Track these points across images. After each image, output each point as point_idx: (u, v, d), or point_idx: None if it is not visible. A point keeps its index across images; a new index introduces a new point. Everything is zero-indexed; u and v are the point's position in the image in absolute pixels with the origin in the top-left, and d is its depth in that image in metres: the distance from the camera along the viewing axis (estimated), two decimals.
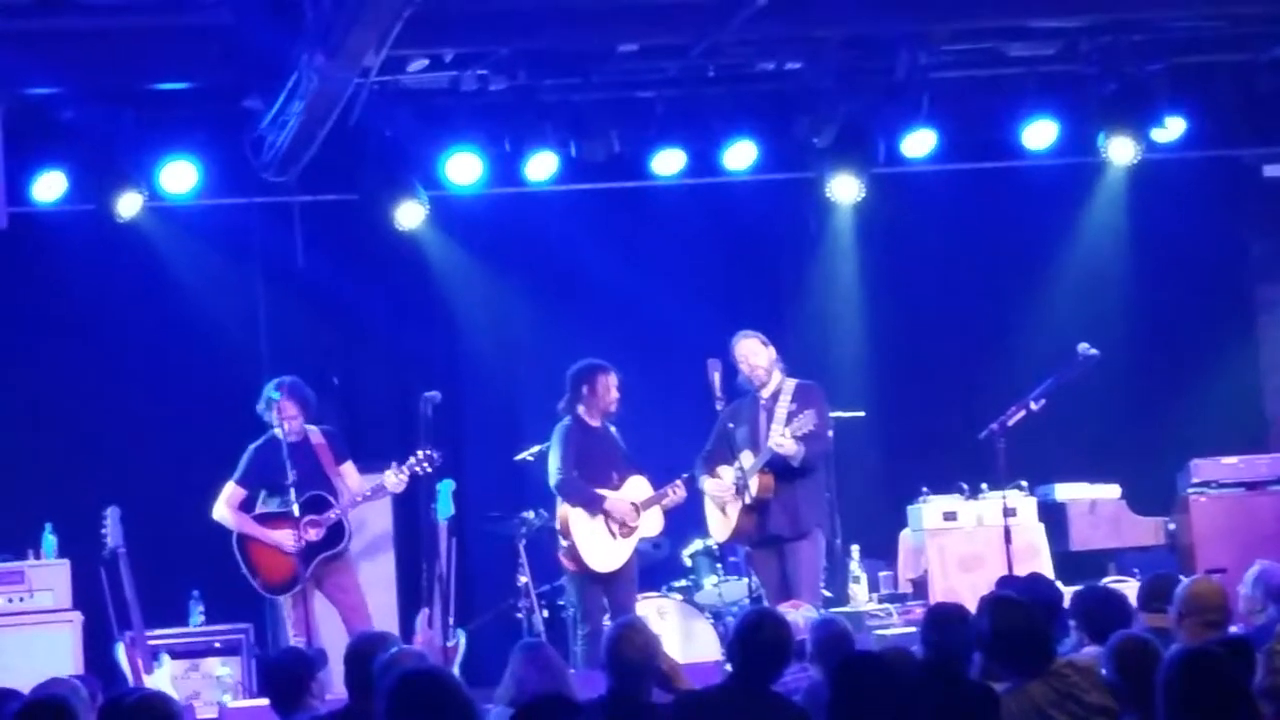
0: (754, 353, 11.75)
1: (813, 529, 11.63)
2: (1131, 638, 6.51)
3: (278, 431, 11.69)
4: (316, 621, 11.60)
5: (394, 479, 11.75)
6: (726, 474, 11.70)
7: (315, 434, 11.84)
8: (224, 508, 11.81)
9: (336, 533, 11.71)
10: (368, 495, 11.88)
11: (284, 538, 11.60)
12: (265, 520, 11.75)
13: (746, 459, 11.60)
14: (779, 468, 11.52)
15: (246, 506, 11.83)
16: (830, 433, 11.85)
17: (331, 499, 11.71)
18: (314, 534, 11.63)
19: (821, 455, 11.69)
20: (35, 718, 6.44)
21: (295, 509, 11.51)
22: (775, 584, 11.59)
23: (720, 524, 11.85)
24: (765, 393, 11.72)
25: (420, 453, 11.69)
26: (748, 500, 11.54)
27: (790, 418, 11.50)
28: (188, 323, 13.43)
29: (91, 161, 12.69)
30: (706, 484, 11.81)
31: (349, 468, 11.89)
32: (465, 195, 13.60)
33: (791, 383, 11.75)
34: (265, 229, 13.58)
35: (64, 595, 12.00)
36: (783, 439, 11.39)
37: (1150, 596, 8.61)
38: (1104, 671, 6.32)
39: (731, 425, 11.71)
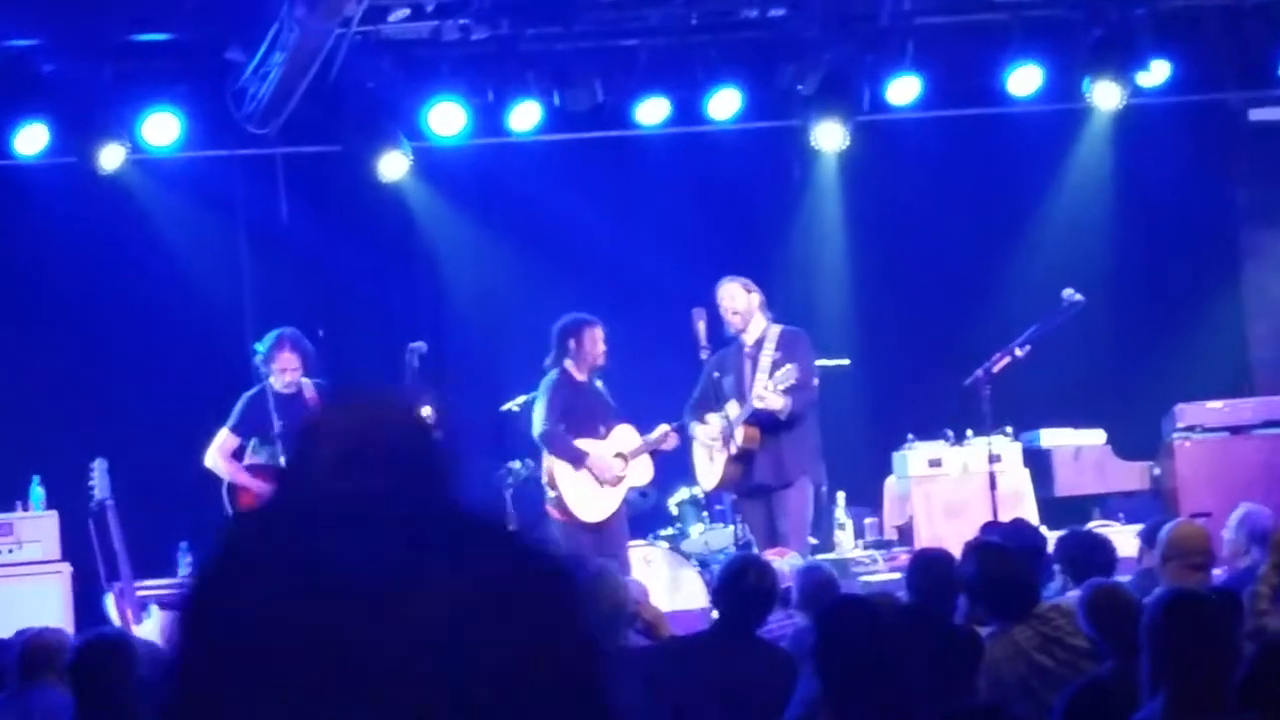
0: (732, 296, 11.73)
1: (799, 478, 11.63)
2: (1100, 586, 6.54)
3: (273, 382, 11.67)
4: None
5: None
6: (714, 422, 11.70)
7: (309, 387, 11.82)
8: (216, 455, 11.78)
9: None
10: None
11: (272, 489, 11.59)
12: (254, 471, 11.74)
13: (732, 409, 11.60)
14: (764, 419, 11.51)
15: (238, 454, 11.81)
16: (815, 381, 11.84)
17: None
18: None
19: (807, 405, 11.68)
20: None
21: (281, 460, 11.51)
22: (762, 532, 11.61)
23: (707, 472, 11.87)
24: (749, 339, 11.71)
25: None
26: (733, 450, 11.55)
27: (774, 367, 11.48)
28: (171, 275, 13.41)
29: (73, 114, 12.66)
30: (696, 430, 11.82)
31: None
32: (448, 146, 13.57)
33: (776, 329, 11.73)
34: (248, 181, 13.55)
35: (52, 547, 12.00)
36: (765, 393, 11.35)
37: (1152, 535, 8.63)
38: (1080, 620, 6.34)
39: (717, 374, 11.71)
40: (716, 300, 11.81)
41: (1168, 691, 5.17)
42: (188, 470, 12.00)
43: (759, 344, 11.67)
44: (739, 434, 11.53)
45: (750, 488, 11.63)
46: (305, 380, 11.80)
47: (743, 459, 11.58)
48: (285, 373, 11.68)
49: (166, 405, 13.08)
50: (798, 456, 11.62)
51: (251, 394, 11.79)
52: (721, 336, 11.96)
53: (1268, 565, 7.74)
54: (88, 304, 13.37)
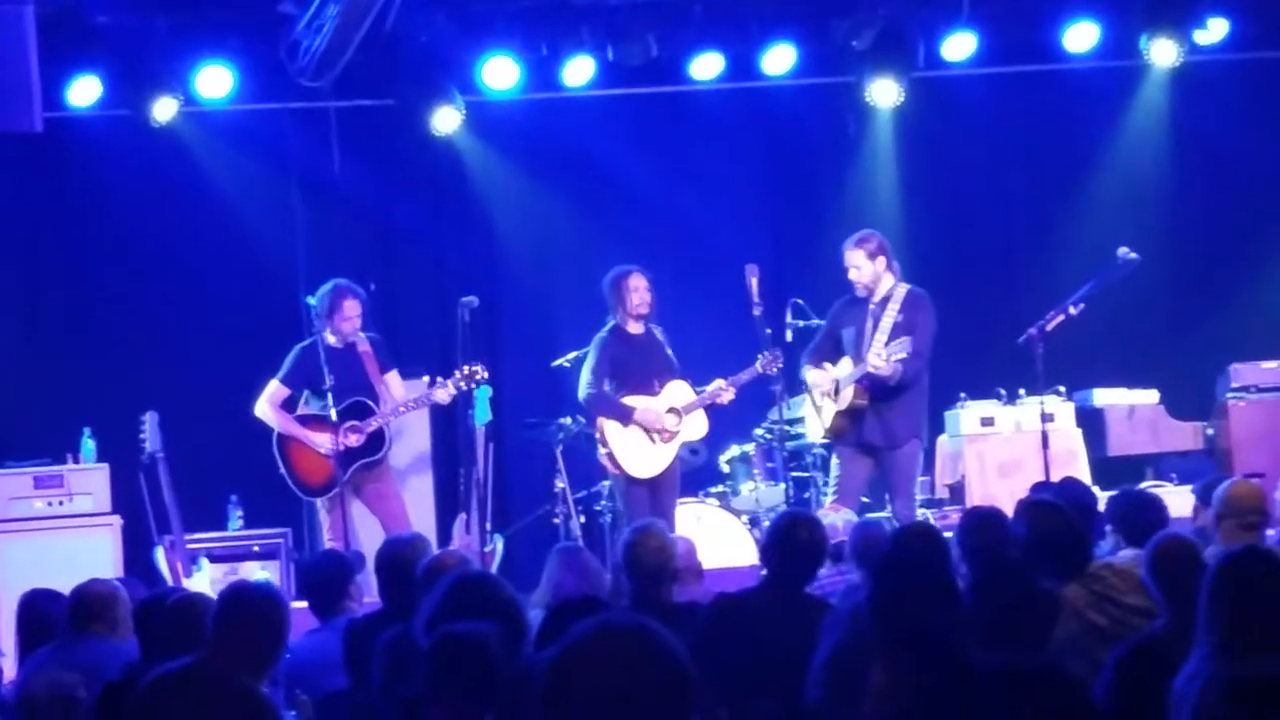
0: (856, 266, 11.56)
1: (908, 440, 11.51)
2: (1172, 538, 6.47)
3: (328, 335, 11.68)
4: (354, 527, 11.63)
5: (441, 393, 11.74)
6: (829, 372, 11.62)
7: (362, 341, 11.83)
8: (266, 405, 11.81)
9: (377, 440, 11.73)
10: (411, 405, 11.88)
11: (323, 441, 11.62)
12: (306, 422, 11.76)
13: (845, 365, 11.53)
14: (874, 383, 11.41)
15: (289, 406, 11.83)
16: (930, 348, 11.62)
17: (374, 406, 11.72)
18: (354, 439, 11.64)
19: (918, 372, 11.46)
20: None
21: (333, 413, 11.53)
22: (854, 485, 11.53)
23: (816, 422, 11.78)
24: (876, 297, 11.59)
25: (467, 368, 11.66)
26: (840, 406, 11.51)
27: (895, 328, 11.34)
28: (224, 228, 13.43)
29: (127, 66, 12.69)
30: (809, 376, 11.70)
31: (393, 377, 11.89)
32: (502, 100, 13.55)
33: (903, 290, 11.57)
34: (301, 135, 13.56)
35: (103, 499, 12.06)
36: (878, 360, 11.27)
37: (1208, 494, 8.57)
38: (1142, 572, 6.28)
39: (840, 325, 11.62)
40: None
41: (1219, 644, 5.13)
42: (239, 424, 12.04)
43: (884, 302, 11.52)
44: (846, 393, 11.47)
45: (859, 443, 11.56)
46: (359, 334, 11.82)
47: (851, 415, 11.52)
48: (348, 322, 11.67)
49: (218, 359, 13.13)
50: (907, 420, 11.49)
51: (304, 345, 11.81)
52: (774, 293, 11.88)
53: None
54: (140, 257, 13.41)
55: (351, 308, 11.71)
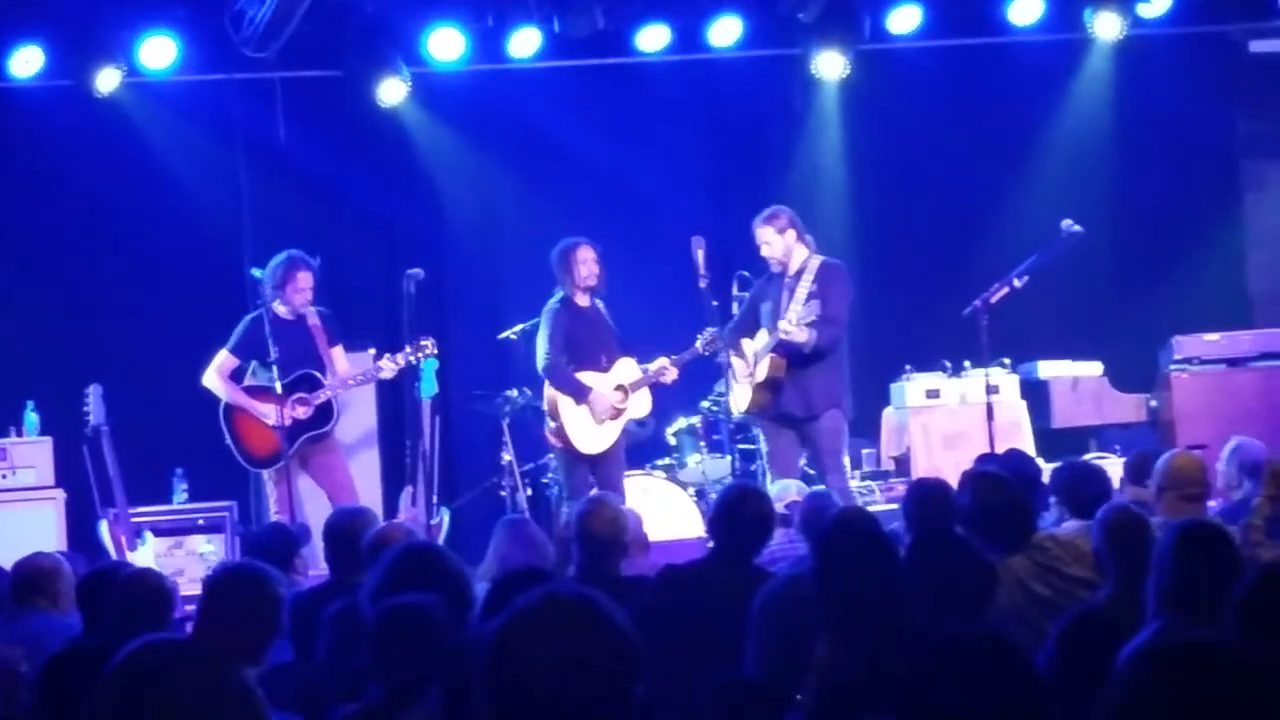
0: (767, 242, 11.56)
1: (827, 409, 11.48)
2: (1124, 509, 6.51)
3: (277, 306, 11.63)
4: (300, 499, 11.60)
5: (388, 364, 11.71)
6: (749, 347, 11.63)
7: (312, 315, 11.78)
8: (214, 375, 11.73)
9: (324, 413, 11.70)
10: (359, 378, 11.85)
11: (270, 412, 11.58)
12: (254, 393, 11.70)
13: (762, 337, 11.53)
14: (790, 351, 11.41)
15: (236, 377, 11.78)
16: (845, 315, 11.62)
17: (322, 378, 11.68)
18: (301, 412, 11.60)
19: (833, 339, 11.44)
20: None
21: (278, 386, 11.49)
22: (782, 460, 11.52)
23: (737, 396, 11.78)
24: (790, 270, 11.58)
25: (416, 342, 11.63)
26: (759, 378, 11.50)
27: (809, 298, 11.37)
28: (168, 199, 13.34)
29: (69, 36, 12.60)
30: (730, 355, 11.69)
31: (339, 352, 11.84)
32: (448, 72, 13.51)
33: (817, 261, 11.55)
34: (246, 105, 13.48)
35: (46, 473, 11.99)
36: (789, 326, 11.27)
37: (1136, 471, 8.63)
38: (1094, 542, 6.31)
39: (758, 299, 11.62)
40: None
41: (1169, 615, 5.17)
42: (183, 397, 11.99)
43: (798, 275, 11.52)
44: (764, 364, 11.48)
45: (778, 415, 11.56)
46: (309, 307, 11.76)
47: (771, 387, 11.50)
48: (300, 294, 11.61)
49: (162, 332, 13.07)
50: (826, 388, 11.47)
51: (252, 316, 11.76)
52: (720, 265, 11.88)
53: (1262, 496, 7.74)
54: (83, 228, 13.32)
55: (305, 279, 11.66)
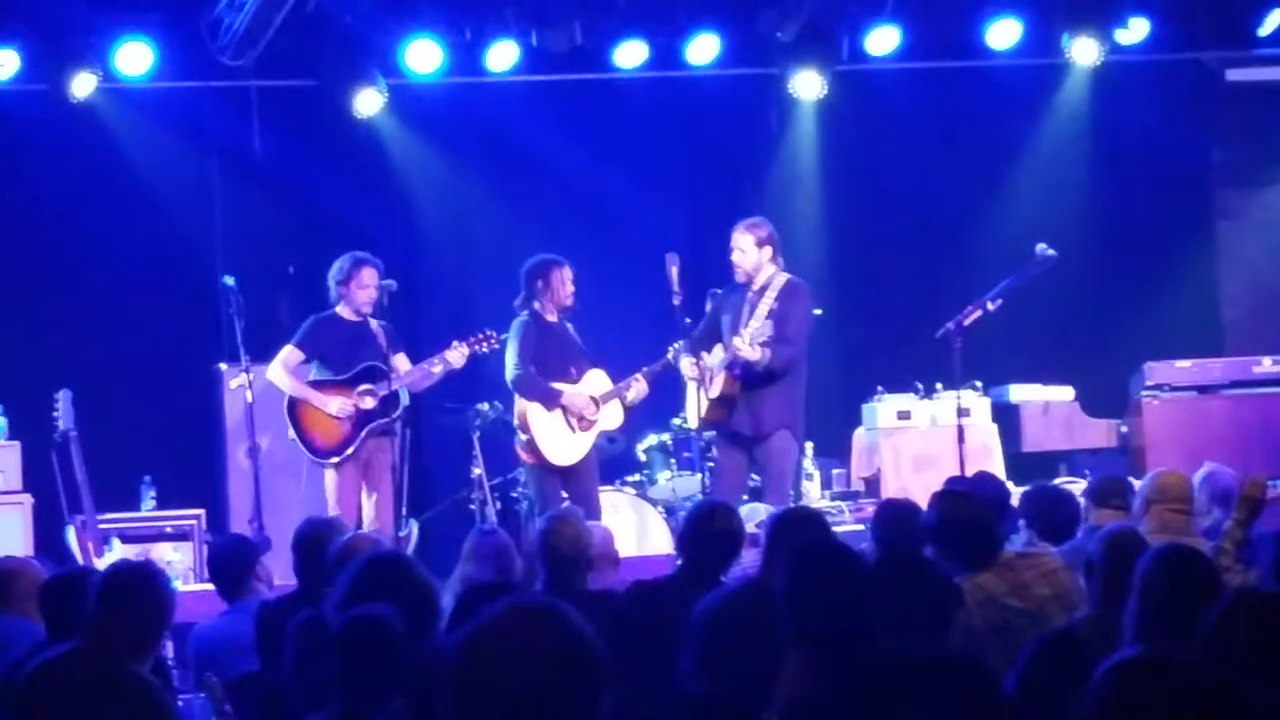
0: (742, 250, 11.52)
1: (776, 431, 11.42)
2: (1128, 530, 6.48)
3: (340, 309, 11.54)
4: (359, 497, 11.43)
5: (455, 355, 11.62)
6: (708, 360, 11.59)
7: (372, 322, 11.68)
8: (280, 369, 11.55)
9: (389, 404, 11.53)
10: (426, 368, 11.68)
11: (334, 403, 11.44)
12: (319, 385, 11.55)
13: (719, 353, 11.50)
14: (745, 370, 11.37)
15: (299, 375, 11.64)
16: (804, 337, 11.59)
17: (387, 371, 11.51)
18: (369, 402, 11.47)
19: (789, 360, 11.39)
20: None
21: (349, 377, 11.39)
22: (729, 478, 11.50)
23: (693, 410, 11.75)
24: (755, 285, 11.56)
25: (481, 333, 11.62)
26: (711, 395, 11.47)
27: (770, 317, 11.31)
28: (142, 206, 13.30)
29: (45, 40, 12.55)
30: (683, 365, 11.66)
31: (401, 359, 11.67)
32: (425, 84, 13.49)
33: (782, 279, 11.52)
34: (222, 113, 13.45)
35: (14, 477, 11.95)
36: (742, 344, 11.22)
37: (1100, 493, 8.63)
38: (1091, 560, 6.26)
39: (719, 314, 11.59)
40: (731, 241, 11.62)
41: (1147, 638, 5.17)
42: (153, 403, 11.96)
43: (762, 290, 11.50)
44: (717, 381, 11.45)
45: (730, 433, 11.53)
46: (372, 318, 11.65)
47: (723, 404, 11.47)
48: (365, 290, 11.50)
49: (133, 338, 13.03)
50: (777, 409, 11.40)
51: (319, 316, 11.65)
52: (694, 282, 11.87)
53: (1232, 522, 7.75)
54: (56, 233, 13.27)
55: (370, 276, 11.53)
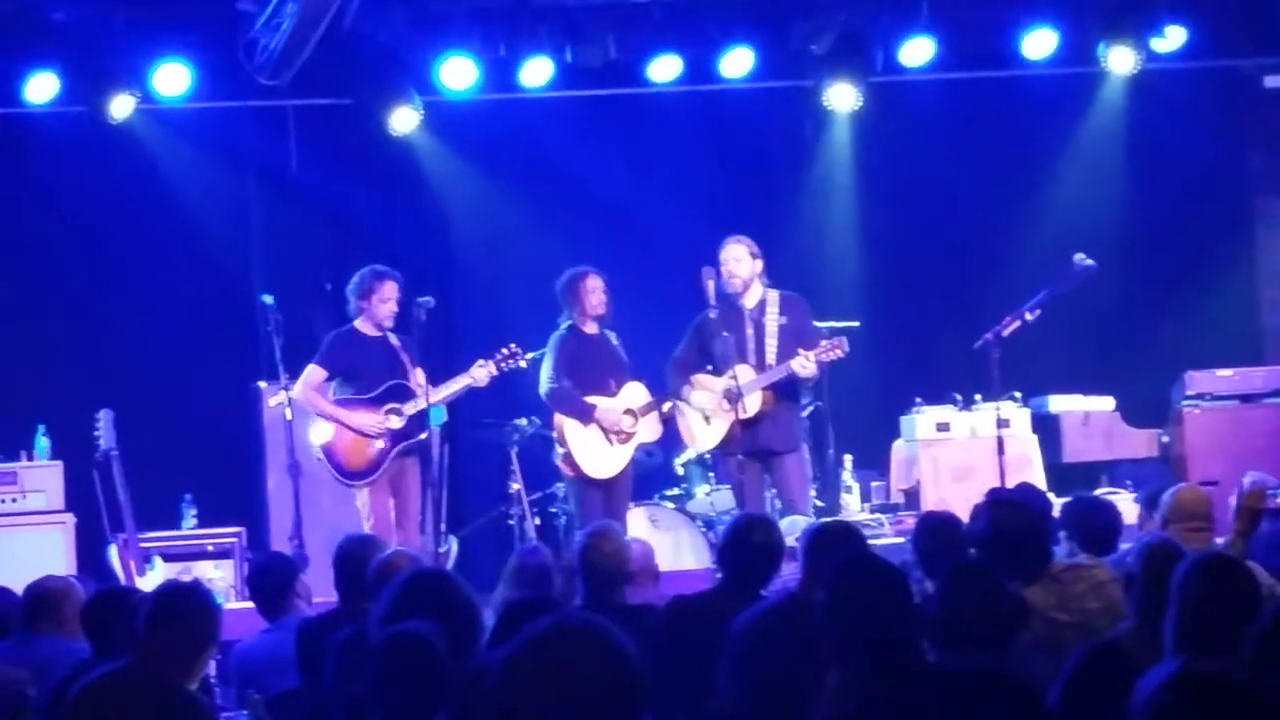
0: (738, 259, 11.62)
1: (801, 443, 11.61)
2: (1165, 540, 6.43)
3: (360, 324, 11.56)
4: (392, 516, 11.42)
5: (481, 372, 11.62)
6: (710, 383, 11.59)
7: (392, 337, 11.69)
8: (304, 389, 11.54)
9: (417, 423, 11.53)
10: (456, 391, 11.69)
11: (364, 421, 11.46)
12: (344, 404, 11.56)
13: (744, 373, 11.47)
14: (780, 386, 11.42)
15: (322, 393, 11.61)
16: None
17: (412, 389, 11.52)
18: (396, 422, 11.48)
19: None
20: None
21: (375, 396, 11.39)
22: (751, 491, 11.52)
23: (705, 433, 11.75)
24: (749, 302, 11.60)
25: (507, 349, 11.60)
26: (743, 414, 11.45)
27: (782, 331, 11.37)
28: (180, 226, 13.37)
29: (83, 63, 12.63)
30: (693, 396, 11.67)
31: (420, 375, 11.68)
32: (460, 101, 13.53)
33: (775, 294, 11.62)
34: (258, 133, 13.52)
35: (56, 497, 12.00)
36: (808, 363, 11.30)
37: (1155, 503, 8.58)
38: (1131, 571, 6.23)
39: (708, 336, 11.57)
40: (719, 258, 11.68)
41: (1188, 650, 5.14)
42: (193, 422, 11.98)
43: (760, 307, 11.56)
44: (754, 399, 11.43)
45: (755, 451, 11.54)
46: (392, 333, 11.66)
47: (753, 422, 11.50)
48: (385, 304, 11.49)
49: (173, 357, 13.08)
50: (797, 423, 11.62)
51: (339, 331, 11.66)
52: (731, 297, 11.88)
53: (1234, 532, 7.72)
54: (96, 254, 13.34)
55: (389, 290, 11.52)
